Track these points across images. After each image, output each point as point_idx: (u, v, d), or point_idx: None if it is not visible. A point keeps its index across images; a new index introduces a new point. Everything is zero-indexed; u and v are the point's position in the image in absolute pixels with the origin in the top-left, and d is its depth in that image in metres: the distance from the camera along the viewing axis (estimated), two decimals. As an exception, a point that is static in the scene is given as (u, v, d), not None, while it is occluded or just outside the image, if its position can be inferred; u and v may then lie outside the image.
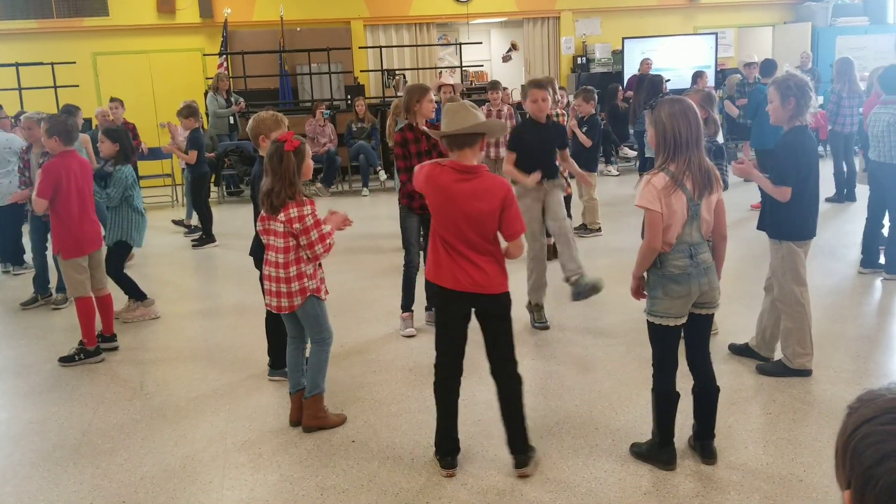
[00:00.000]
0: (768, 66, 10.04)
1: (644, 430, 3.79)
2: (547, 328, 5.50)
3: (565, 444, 3.82)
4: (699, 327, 3.51)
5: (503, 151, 8.06)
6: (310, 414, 4.11)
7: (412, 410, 4.31)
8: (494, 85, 10.16)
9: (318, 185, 12.03)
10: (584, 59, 15.57)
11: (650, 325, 3.47)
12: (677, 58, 14.73)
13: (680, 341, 3.50)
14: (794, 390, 4.32)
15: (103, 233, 5.70)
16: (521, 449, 3.56)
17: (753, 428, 3.93)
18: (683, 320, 3.43)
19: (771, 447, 3.70)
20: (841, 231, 8.10)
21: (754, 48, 15.82)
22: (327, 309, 4.13)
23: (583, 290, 5.29)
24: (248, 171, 12.38)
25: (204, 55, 14.36)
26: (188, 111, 9.10)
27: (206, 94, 12.99)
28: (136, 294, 6.28)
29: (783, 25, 16.06)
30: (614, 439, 3.86)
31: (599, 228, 8.44)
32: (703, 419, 3.60)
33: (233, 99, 12.69)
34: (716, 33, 15.30)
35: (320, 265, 4.06)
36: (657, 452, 3.57)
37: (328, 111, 12.76)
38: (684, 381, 3.54)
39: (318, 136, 12.30)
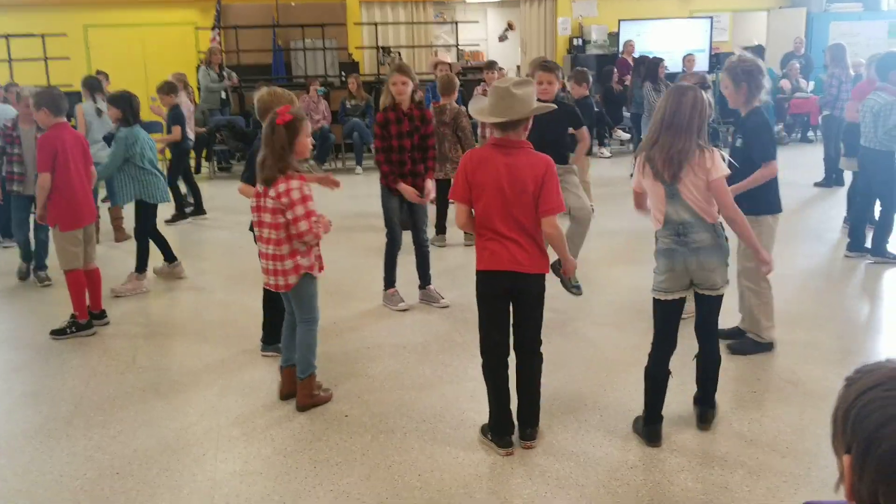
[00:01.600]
0: (756, 54, 10.08)
1: (632, 407, 3.85)
2: (581, 293, 5.26)
3: (555, 418, 3.88)
4: (702, 306, 3.61)
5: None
6: (304, 393, 4.12)
7: (405, 387, 4.36)
8: (491, 65, 10.10)
9: (312, 162, 11.97)
10: (580, 40, 15.54)
11: (652, 299, 3.59)
12: (672, 41, 14.72)
13: (680, 323, 3.58)
14: (779, 369, 4.39)
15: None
16: (530, 422, 3.63)
17: (739, 405, 3.99)
18: (674, 296, 3.50)
19: (755, 424, 3.76)
20: (827, 215, 8.16)
21: (749, 33, 15.83)
22: (318, 288, 4.15)
23: (564, 283, 5.32)
24: (240, 147, 12.34)
25: (196, 29, 14.25)
26: (168, 87, 8.92)
27: (198, 68, 12.91)
28: (169, 255, 6.71)
29: (778, 10, 16.06)
30: (602, 415, 3.91)
31: (592, 210, 8.46)
32: (703, 386, 3.75)
33: (225, 73, 12.62)
34: (711, 17, 15.29)
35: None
36: (642, 429, 3.64)
37: (322, 88, 12.71)
38: (677, 360, 3.60)
39: (312, 112, 12.25)
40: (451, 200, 3.80)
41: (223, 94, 12.71)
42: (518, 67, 16.23)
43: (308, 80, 13.01)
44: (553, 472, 3.41)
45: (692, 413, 3.82)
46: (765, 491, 3.22)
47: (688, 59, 12.33)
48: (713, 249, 3.48)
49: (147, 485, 3.45)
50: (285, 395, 4.22)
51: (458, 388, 4.31)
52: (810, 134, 13.31)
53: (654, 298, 3.55)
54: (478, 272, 3.50)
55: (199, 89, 12.34)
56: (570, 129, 5.72)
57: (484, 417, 3.73)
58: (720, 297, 3.58)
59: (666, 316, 3.55)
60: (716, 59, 15.04)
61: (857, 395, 1.00)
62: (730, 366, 4.46)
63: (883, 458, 0.93)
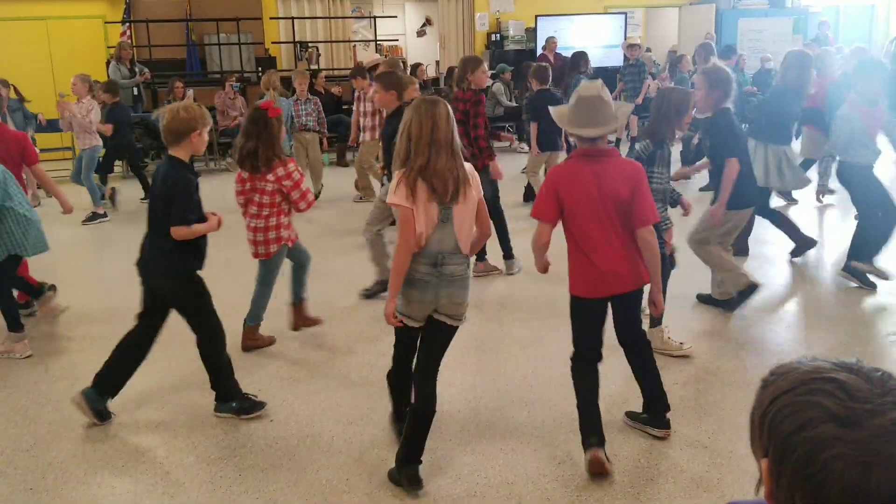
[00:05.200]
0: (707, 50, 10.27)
1: (558, 402, 3.90)
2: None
3: (482, 416, 3.89)
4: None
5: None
6: (247, 336, 4.82)
7: (330, 388, 4.30)
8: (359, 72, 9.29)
9: (229, 160, 11.75)
10: (498, 35, 15.64)
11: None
12: (588, 37, 14.96)
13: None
14: (700, 360, 4.49)
15: None
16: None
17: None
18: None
19: (678, 415, 3.84)
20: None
21: (661, 29, 16.23)
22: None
23: None
24: (154, 145, 11.98)
25: (106, 23, 13.75)
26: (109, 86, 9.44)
27: (108, 63, 12.48)
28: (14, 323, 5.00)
29: (689, 6, 16.49)
30: (530, 411, 3.94)
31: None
32: (407, 440, 3.29)
33: (137, 69, 12.24)
34: (625, 13, 15.60)
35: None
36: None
37: (238, 84, 12.46)
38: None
39: (228, 109, 12.02)
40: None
41: (135, 91, 12.32)
42: (437, 63, 16.23)
43: (224, 75, 12.73)
44: (482, 470, 3.42)
45: (620, 415, 3.88)
46: (689, 482, 3.30)
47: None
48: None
49: (63, 500, 3.31)
50: (294, 328, 4.99)
51: (385, 387, 4.26)
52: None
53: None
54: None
55: (109, 85, 11.91)
56: None
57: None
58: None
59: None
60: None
61: (772, 399, 1.01)
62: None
63: (798, 464, 0.94)
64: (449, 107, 3.20)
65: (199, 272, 3.86)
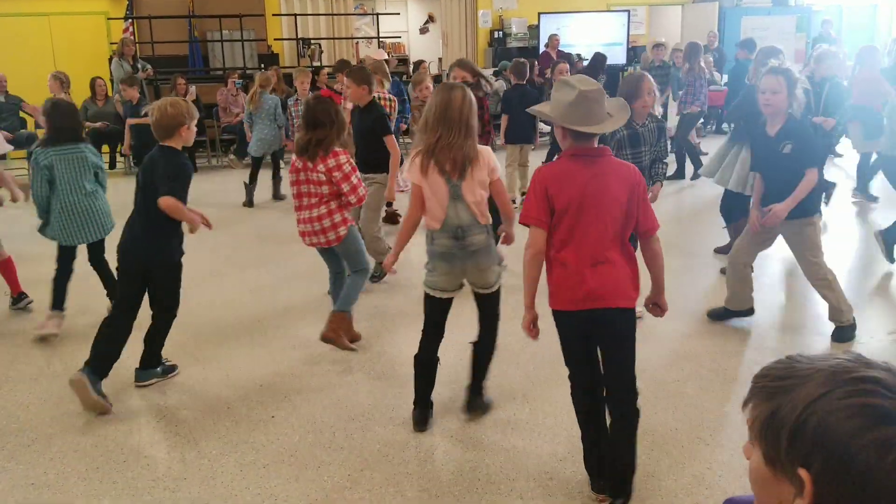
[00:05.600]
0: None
1: (559, 399, 3.89)
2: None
3: (484, 412, 3.89)
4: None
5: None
6: (332, 327, 4.53)
7: (332, 385, 4.30)
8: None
9: (231, 156, 11.73)
10: (500, 33, 15.62)
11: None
12: (591, 34, 14.95)
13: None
14: (701, 358, 4.49)
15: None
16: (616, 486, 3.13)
17: (663, 395, 4.07)
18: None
19: (679, 413, 3.85)
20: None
21: (664, 27, 16.20)
22: None
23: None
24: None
25: (108, 19, 13.76)
26: (132, 80, 9.57)
27: (110, 59, 12.48)
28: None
29: (692, 4, 16.46)
30: (531, 408, 3.94)
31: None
32: (475, 374, 3.86)
33: (139, 66, 12.23)
34: (628, 11, 15.58)
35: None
36: (411, 413, 3.79)
37: (240, 81, 12.46)
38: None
39: (231, 106, 12.01)
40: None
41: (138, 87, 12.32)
42: (440, 60, 16.22)
43: (226, 72, 12.73)
44: (483, 467, 3.42)
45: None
46: (691, 479, 3.30)
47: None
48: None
49: (64, 495, 3.31)
50: (325, 338, 4.59)
51: (387, 383, 4.28)
52: (724, 126, 13.70)
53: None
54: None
55: (112, 82, 11.93)
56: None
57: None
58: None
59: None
60: (633, 53, 15.34)
61: (805, 405, 0.95)
62: (652, 355, 4.55)
63: (862, 470, 0.90)
64: (467, 91, 3.47)
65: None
